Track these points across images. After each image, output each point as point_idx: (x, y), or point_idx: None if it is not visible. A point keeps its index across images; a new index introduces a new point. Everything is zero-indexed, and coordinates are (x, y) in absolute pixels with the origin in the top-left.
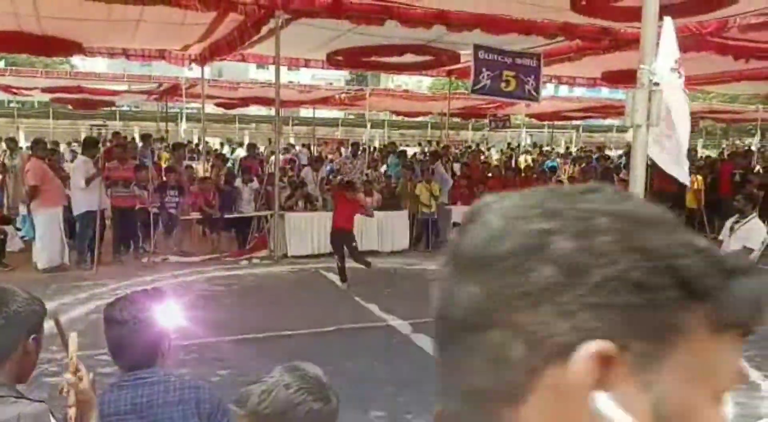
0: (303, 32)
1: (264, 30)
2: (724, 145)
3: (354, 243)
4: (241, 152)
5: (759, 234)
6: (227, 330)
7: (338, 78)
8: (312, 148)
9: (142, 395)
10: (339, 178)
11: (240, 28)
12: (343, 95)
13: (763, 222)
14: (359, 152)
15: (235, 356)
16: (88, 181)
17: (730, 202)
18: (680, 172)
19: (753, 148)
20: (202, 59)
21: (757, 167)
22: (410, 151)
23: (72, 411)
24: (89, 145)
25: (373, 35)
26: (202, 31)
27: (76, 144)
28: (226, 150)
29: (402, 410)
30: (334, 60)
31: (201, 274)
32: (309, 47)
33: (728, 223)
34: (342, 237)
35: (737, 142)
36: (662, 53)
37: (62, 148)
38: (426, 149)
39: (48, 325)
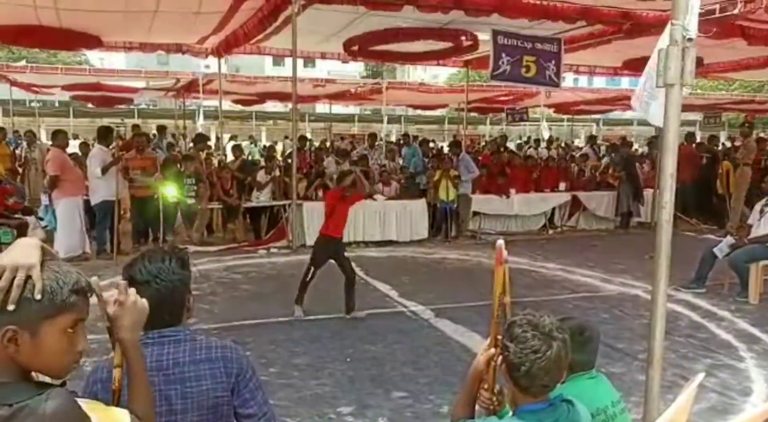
0: (319, 17)
1: (281, 18)
2: None
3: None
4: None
5: None
6: (247, 315)
7: (353, 73)
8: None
9: (168, 353)
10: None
11: (256, 16)
12: (359, 88)
13: None
14: (376, 143)
15: (255, 339)
16: (104, 170)
17: (758, 189)
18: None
19: None
20: (219, 52)
21: None
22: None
23: (117, 372)
24: (104, 135)
25: (390, 17)
26: (218, 20)
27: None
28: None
29: (425, 391)
30: (350, 50)
31: (220, 263)
32: (325, 35)
33: (758, 207)
34: (335, 247)
35: (761, 134)
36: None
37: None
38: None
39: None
